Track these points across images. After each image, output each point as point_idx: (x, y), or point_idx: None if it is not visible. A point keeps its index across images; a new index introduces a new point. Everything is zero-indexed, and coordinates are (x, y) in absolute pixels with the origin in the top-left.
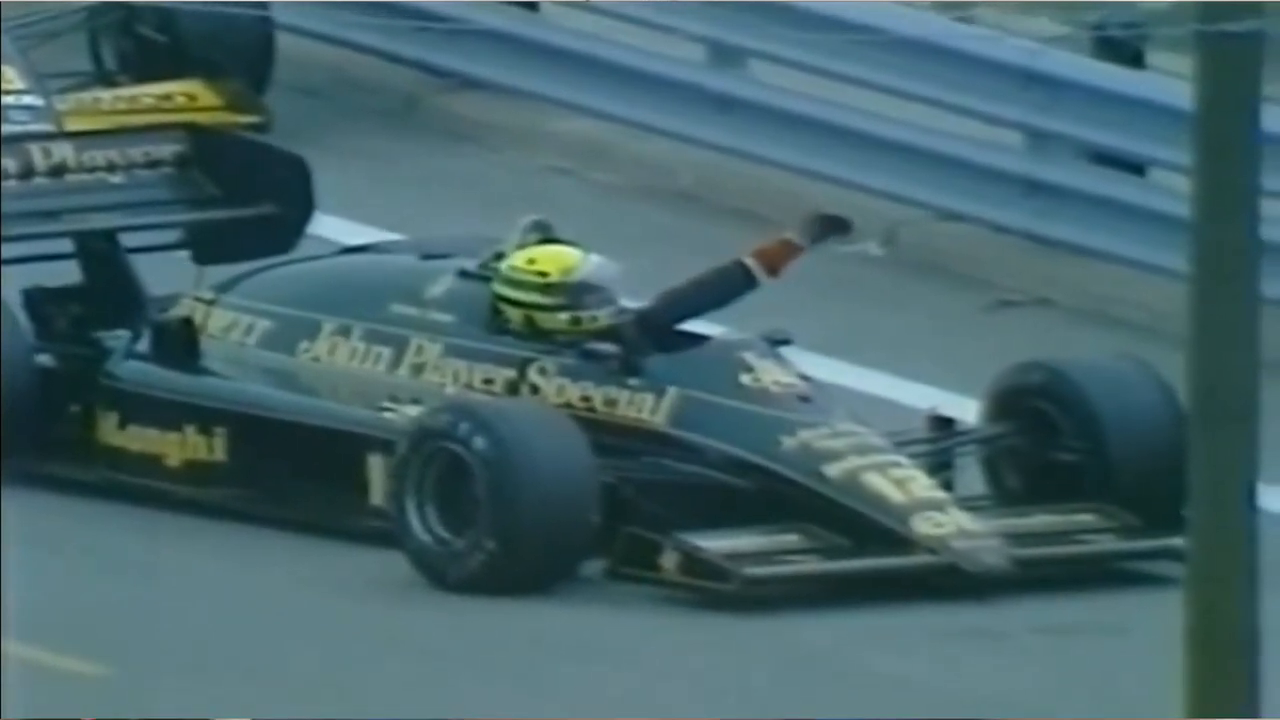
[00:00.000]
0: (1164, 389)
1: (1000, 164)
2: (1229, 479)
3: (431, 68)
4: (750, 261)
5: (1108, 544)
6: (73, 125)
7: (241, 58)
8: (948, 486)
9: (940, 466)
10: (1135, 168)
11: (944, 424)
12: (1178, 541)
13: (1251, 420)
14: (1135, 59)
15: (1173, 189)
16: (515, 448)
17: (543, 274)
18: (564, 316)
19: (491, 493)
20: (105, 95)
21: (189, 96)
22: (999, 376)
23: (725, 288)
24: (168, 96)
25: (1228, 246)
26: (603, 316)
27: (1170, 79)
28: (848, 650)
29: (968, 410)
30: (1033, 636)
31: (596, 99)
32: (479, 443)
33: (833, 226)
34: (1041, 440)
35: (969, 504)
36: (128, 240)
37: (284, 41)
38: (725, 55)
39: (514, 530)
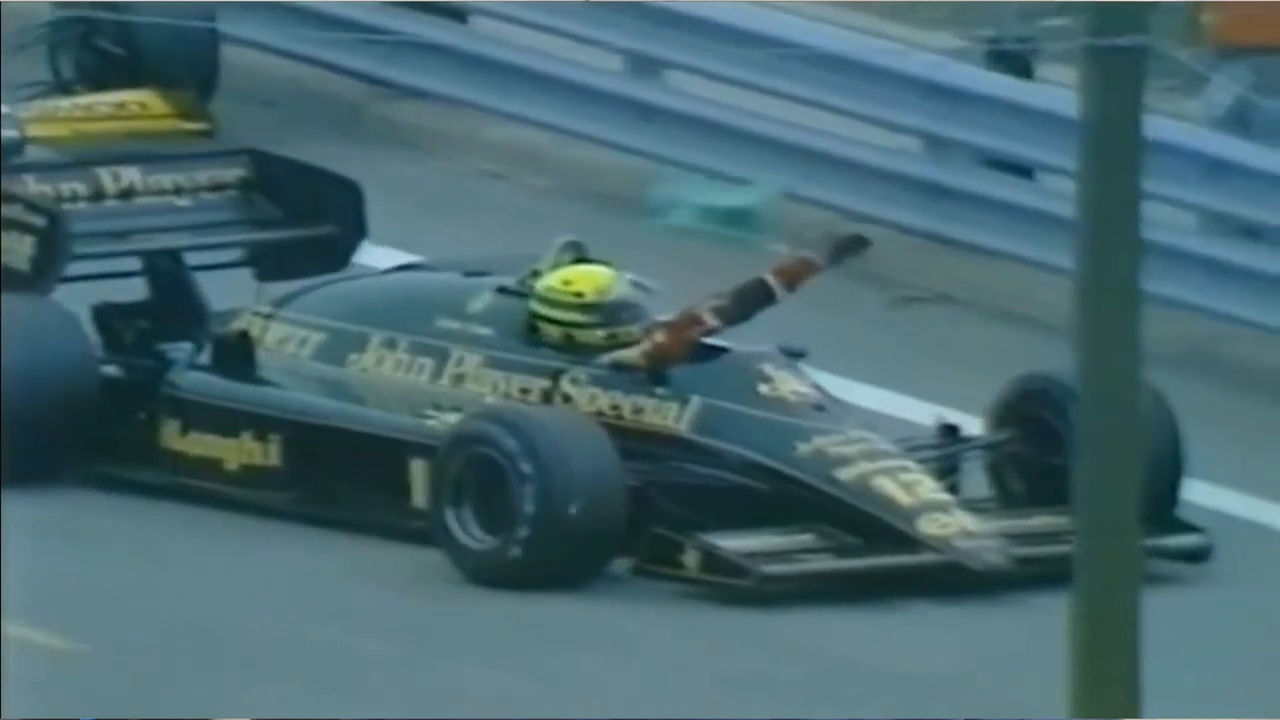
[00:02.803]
0: (1153, 397)
1: (903, 169)
2: (1115, 470)
3: (374, 78)
4: (770, 278)
5: None
6: (34, 131)
7: (191, 69)
8: (953, 490)
9: (947, 471)
10: (1026, 172)
11: (950, 431)
12: (1167, 541)
13: (1136, 411)
14: (1026, 71)
15: (1061, 192)
16: (547, 452)
17: (579, 294)
18: (600, 333)
19: (524, 495)
20: (64, 103)
21: (141, 105)
22: (1003, 386)
23: (747, 303)
24: (122, 105)
25: (1112, 246)
26: (636, 332)
27: (1060, 89)
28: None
29: (877, 400)
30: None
31: (528, 108)
32: (512, 447)
33: (851, 245)
34: (1041, 446)
35: (973, 506)
36: (193, 259)
37: (239, 54)
38: (645, 66)
39: (545, 530)
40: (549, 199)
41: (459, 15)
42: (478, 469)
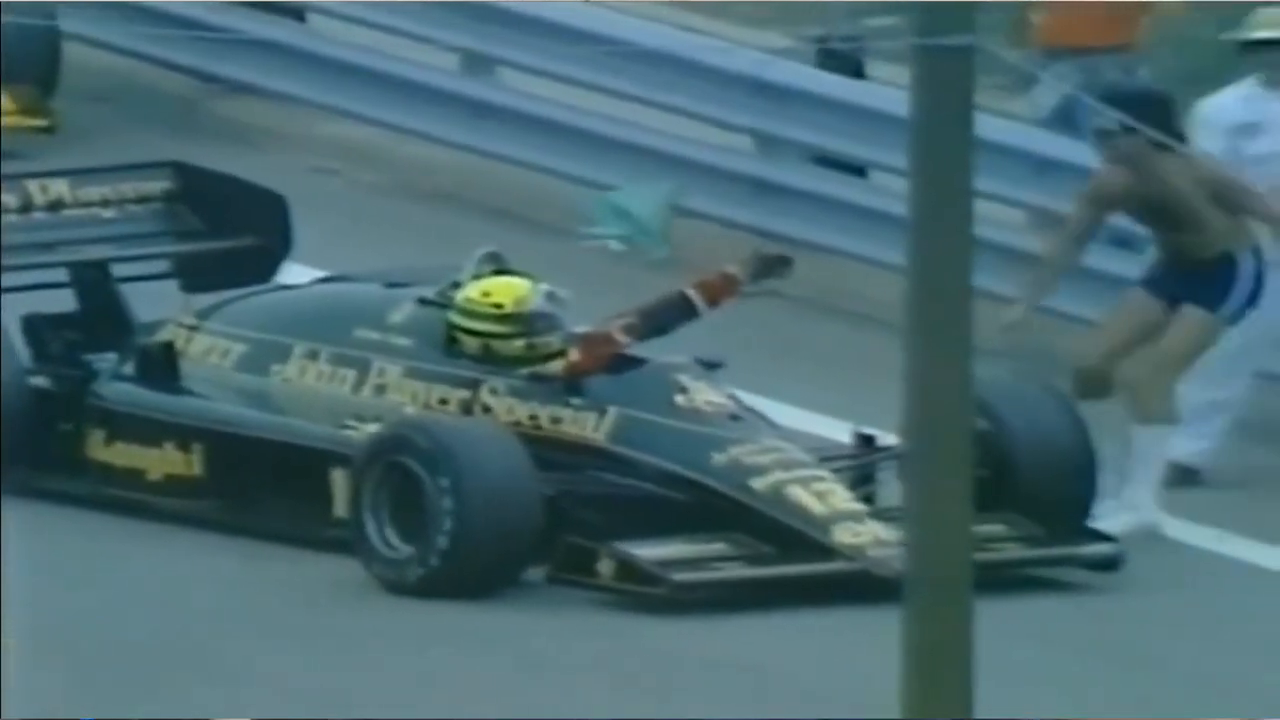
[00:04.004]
0: (1068, 410)
1: (732, 165)
2: (946, 470)
3: (209, 75)
4: (692, 293)
5: (1013, 552)
6: None
7: (34, 66)
8: (869, 499)
9: (863, 480)
10: (857, 170)
11: (867, 441)
12: (1079, 550)
13: (968, 408)
14: (856, 70)
15: (891, 189)
16: (461, 462)
17: (498, 305)
18: (519, 344)
19: (439, 504)
20: None
21: None
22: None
23: (668, 316)
24: None
25: (944, 243)
26: (554, 342)
27: (889, 88)
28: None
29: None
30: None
31: (360, 104)
32: (428, 457)
33: (775, 264)
34: None
35: (887, 515)
36: (120, 270)
37: (77, 51)
38: (478, 64)
39: (460, 539)
40: (382, 195)
41: (297, 14)
42: (394, 479)
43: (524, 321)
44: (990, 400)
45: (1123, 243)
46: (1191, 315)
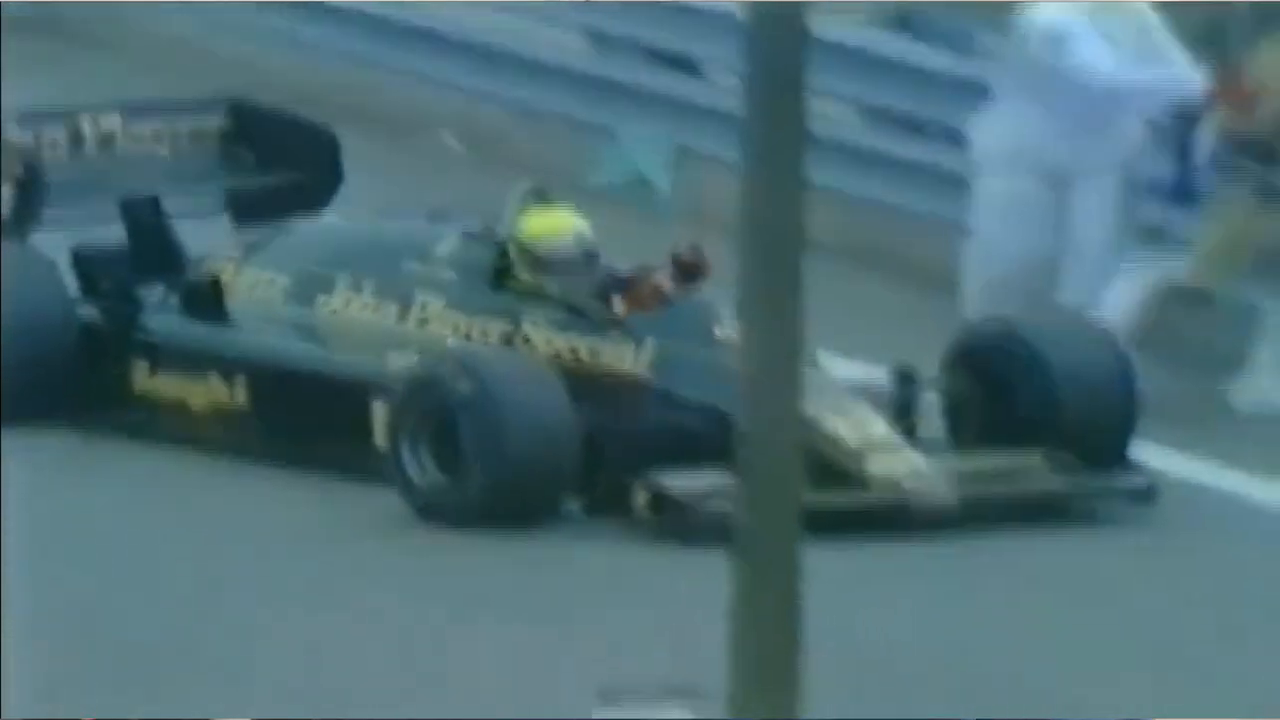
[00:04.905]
0: (1109, 342)
1: (571, 64)
2: (778, 363)
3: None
4: (616, 301)
5: (1051, 484)
6: None
7: None
8: (910, 432)
9: (902, 413)
10: (692, 67)
11: (905, 375)
12: (1117, 481)
13: (797, 302)
14: None
15: (727, 87)
16: (498, 393)
17: (535, 238)
18: (559, 278)
19: (477, 435)
20: None
21: None
22: (959, 330)
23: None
24: None
25: (778, 140)
26: (593, 277)
27: None
28: None
29: None
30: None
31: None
32: (465, 388)
33: (689, 271)
34: (997, 389)
35: (925, 448)
36: (173, 206)
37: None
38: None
39: (498, 471)
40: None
41: None
42: (433, 411)
43: (565, 256)
44: (1029, 333)
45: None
46: None
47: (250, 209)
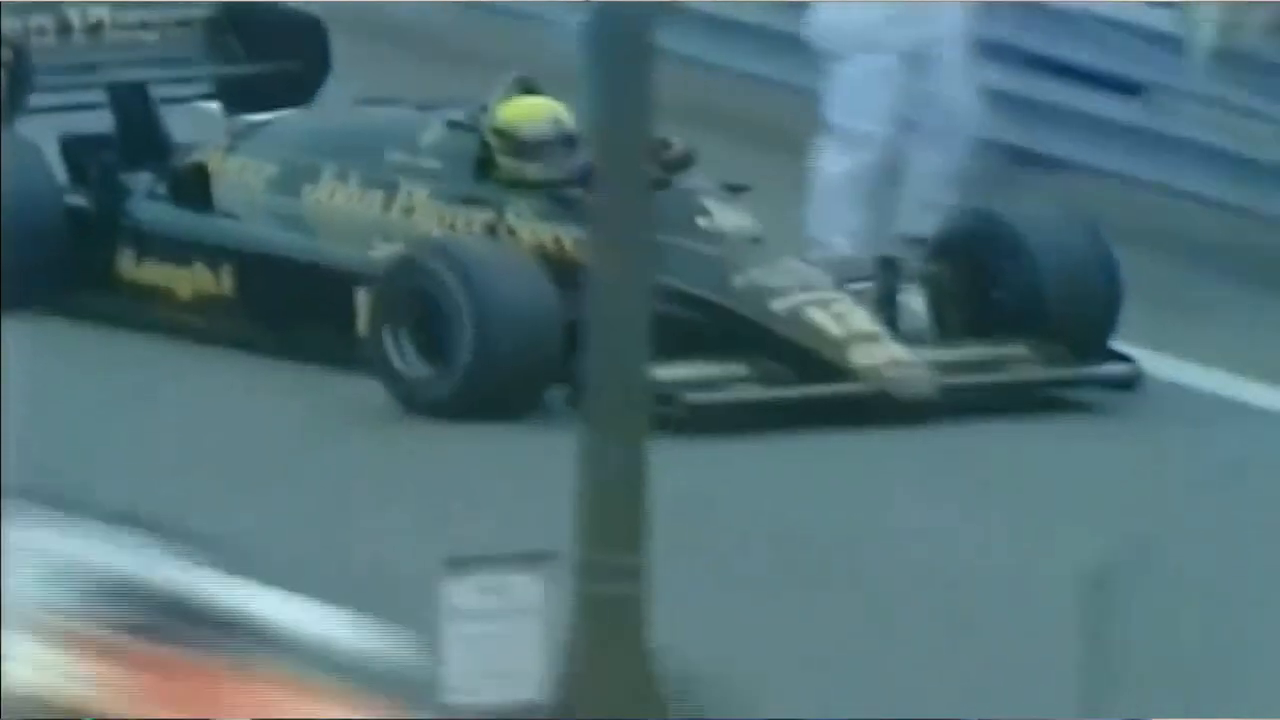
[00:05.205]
0: (1092, 233)
1: None
2: (627, 240)
3: None
4: None
5: (1032, 372)
6: None
7: None
8: (892, 322)
9: (885, 303)
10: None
11: (889, 264)
12: (1099, 369)
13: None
14: None
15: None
16: (480, 282)
17: (517, 125)
18: (538, 165)
19: (459, 324)
20: None
21: None
22: (943, 220)
23: None
24: None
25: (623, 91)
26: (570, 165)
27: None
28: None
29: None
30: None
31: None
32: (449, 278)
33: (674, 165)
34: (979, 278)
35: (908, 338)
36: (161, 93)
37: None
38: None
39: (479, 359)
40: None
41: None
42: (415, 300)
43: (548, 143)
44: (1013, 223)
45: None
46: None
47: (240, 97)
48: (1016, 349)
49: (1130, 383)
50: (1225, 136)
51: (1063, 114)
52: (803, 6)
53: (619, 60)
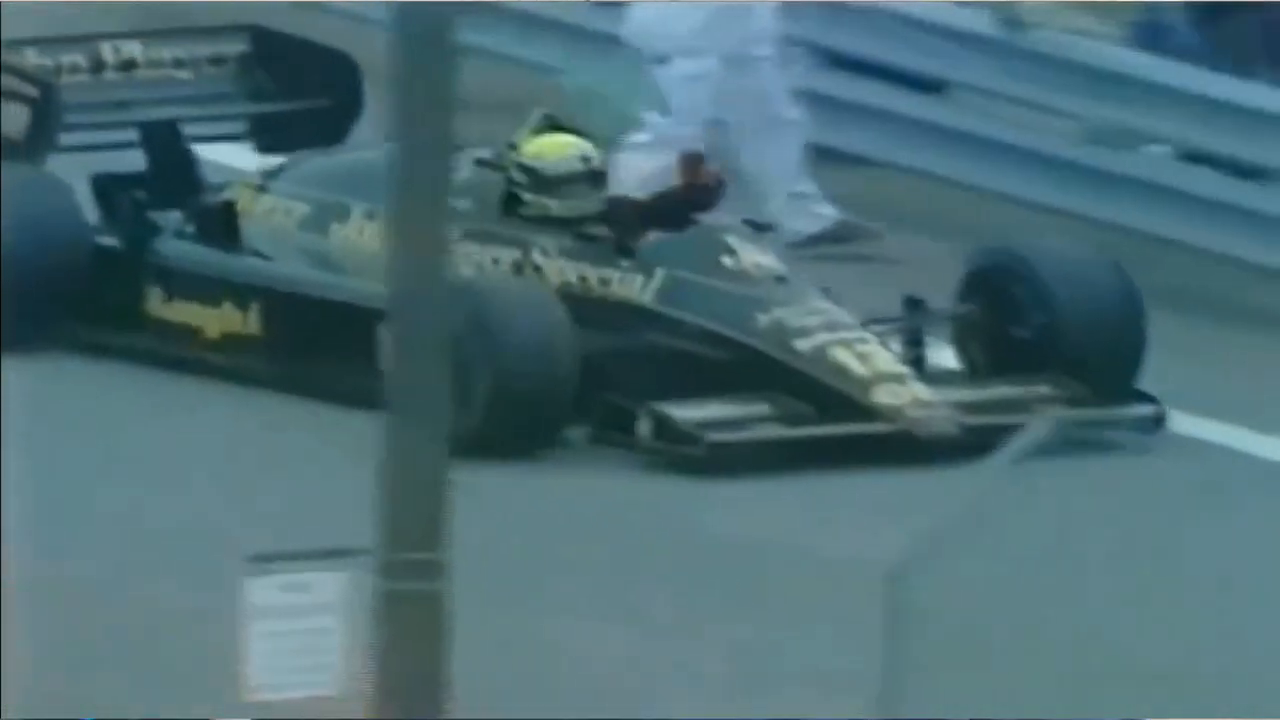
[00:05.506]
0: (1116, 272)
1: None
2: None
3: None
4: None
5: (1058, 413)
6: None
7: None
8: (918, 362)
9: (912, 343)
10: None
11: (915, 304)
12: (1122, 410)
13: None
14: None
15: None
16: (497, 319)
17: (543, 162)
18: (562, 200)
19: (476, 362)
20: None
21: None
22: (968, 259)
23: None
24: None
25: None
26: (595, 201)
27: None
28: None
29: None
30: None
31: None
32: (465, 315)
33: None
34: (1004, 318)
35: (932, 377)
36: (195, 131)
37: None
38: None
39: (496, 396)
40: None
41: None
42: None
43: (576, 181)
44: (1034, 261)
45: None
46: None
47: (274, 136)
48: (1040, 389)
49: (1157, 425)
50: (1024, 133)
51: (862, 110)
52: (621, 7)
53: (420, 58)
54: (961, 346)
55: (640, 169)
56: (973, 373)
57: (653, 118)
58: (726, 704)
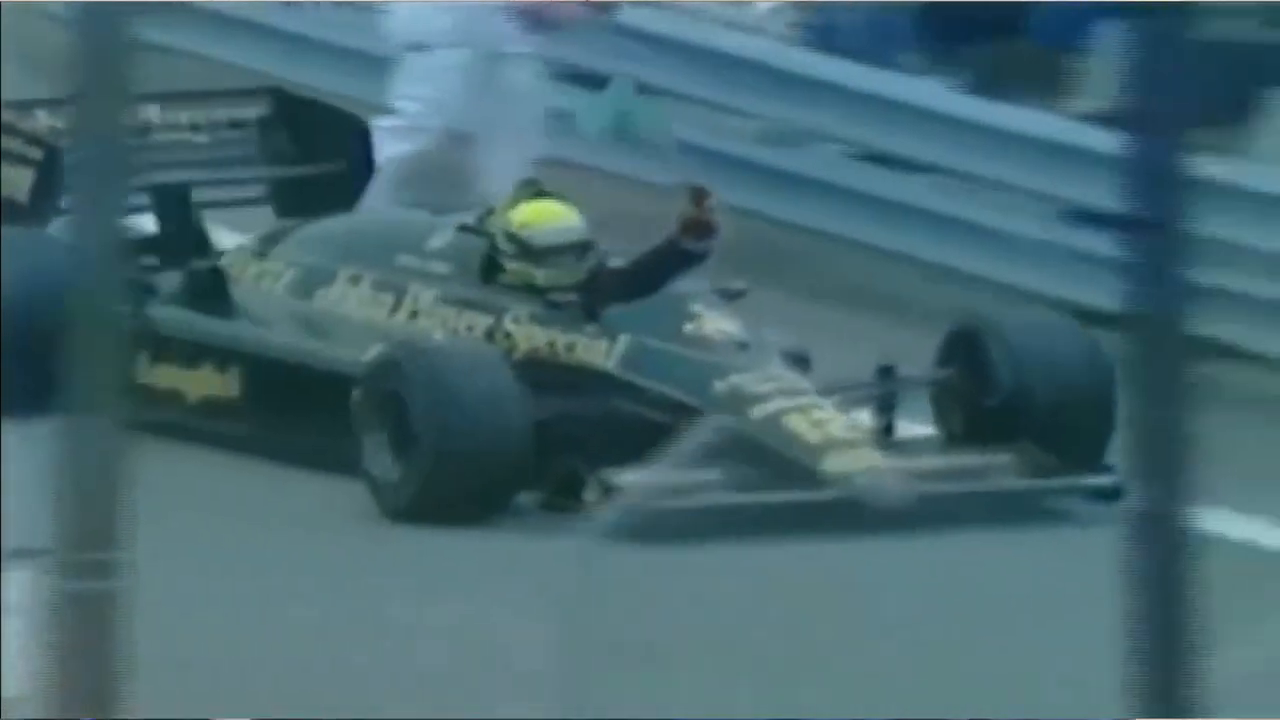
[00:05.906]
0: (1086, 340)
1: None
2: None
3: None
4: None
5: (1012, 482)
6: None
7: None
8: (888, 429)
9: (884, 409)
10: None
11: (886, 371)
12: (1077, 480)
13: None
14: None
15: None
16: (444, 383)
17: (530, 231)
18: (551, 271)
19: (423, 426)
20: None
21: None
22: (948, 325)
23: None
24: None
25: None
26: (580, 270)
27: None
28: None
29: None
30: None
31: None
32: (413, 378)
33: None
34: (977, 385)
35: (900, 445)
36: (215, 195)
37: None
38: None
39: (441, 460)
40: None
41: None
42: (389, 402)
43: (556, 248)
44: (1004, 329)
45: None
46: None
47: (290, 200)
48: (1000, 457)
49: (1115, 495)
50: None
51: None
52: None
53: (97, 57)
54: (940, 413)
55: (390, 150)
56: (949, 439)
57: (405, 104)
58: None
